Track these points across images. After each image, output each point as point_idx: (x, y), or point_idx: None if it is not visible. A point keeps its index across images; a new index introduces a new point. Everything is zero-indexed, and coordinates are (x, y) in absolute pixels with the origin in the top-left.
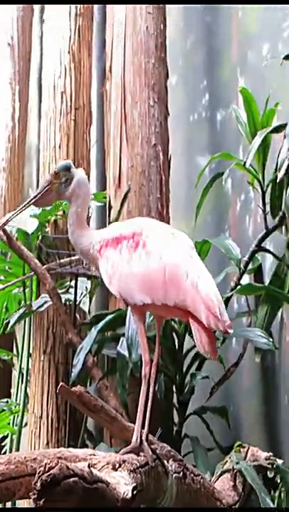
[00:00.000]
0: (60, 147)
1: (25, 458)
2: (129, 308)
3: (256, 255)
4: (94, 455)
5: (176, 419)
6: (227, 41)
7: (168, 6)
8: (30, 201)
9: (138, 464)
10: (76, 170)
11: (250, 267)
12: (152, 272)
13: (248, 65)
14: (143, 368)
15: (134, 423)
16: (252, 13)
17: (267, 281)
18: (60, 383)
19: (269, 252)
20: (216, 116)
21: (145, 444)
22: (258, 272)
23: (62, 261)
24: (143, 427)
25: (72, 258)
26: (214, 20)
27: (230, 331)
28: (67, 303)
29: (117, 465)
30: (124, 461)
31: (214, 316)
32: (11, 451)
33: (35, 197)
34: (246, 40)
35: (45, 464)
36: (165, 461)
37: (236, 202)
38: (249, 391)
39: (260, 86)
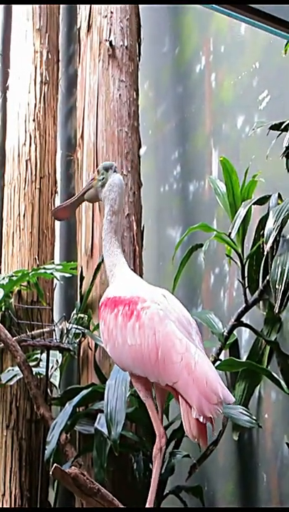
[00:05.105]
0: (24, 216)
1: None
2: (108, 383)
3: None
4: None
5: None
6: (200, 112)
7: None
8: (78, 195)
9: None
10: (114, 174)
11: None
12: (144, 348)
13: (222, 136)
14: (158, 440)
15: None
16: (226, 84)
17: (243, 356)
18: (55, 465)
19: (249, 326)
20: (188, 187)
21: None
22: (234, 347)
23: (33, 332)
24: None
25: (45, 330)
26: (186, 91)
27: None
28: (38, 376)
29: None
30: None
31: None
32: None
33: (83, 189)
34: (220, 111)
35: None
36: None
37: (210, 275)
38: (225, 470)
39: (234, 158)
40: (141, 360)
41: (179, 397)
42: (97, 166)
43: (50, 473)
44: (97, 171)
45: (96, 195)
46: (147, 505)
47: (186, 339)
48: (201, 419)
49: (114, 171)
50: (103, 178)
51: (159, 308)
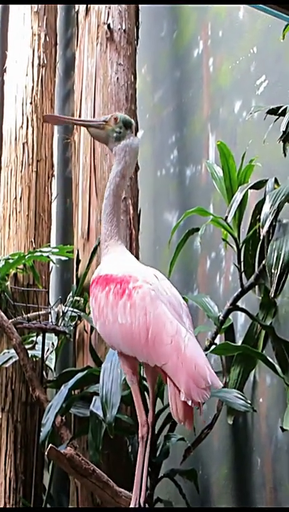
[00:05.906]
0: (21, 199)
1: None
2: (103, 365)
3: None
4: None
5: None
6: (197, 96)
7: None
8: (85, 122)
9: None
10: (133, 135)
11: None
12: (135, 328)
13: (219, 120)
14: (140, 429)
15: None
16: (224, 69)
17: (238, 340)
18: (50, 445)
19: (244, 311)
20: (184, 171)
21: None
22: (229, 332)
23: (29, 315)
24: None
25: (41, 312)
26: (184, 75)
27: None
28: (33, 359)
29: None
30: None
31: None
32: None
33: (90, 122)
34: (218, 95)
35: None
36: None
37: (206, 260)
38: (219, 453)
39: (231, 142)
40: (131, 339)
41: (168, 379)
42: (94, 150)
43: (46, 453)
44: (115, 119)
45: (104, 140)
46: (133, 498)
47: (176, 321)
48: (189, 403)
49: (132, 132)
50: (120, 132)
51: (150, 289)
